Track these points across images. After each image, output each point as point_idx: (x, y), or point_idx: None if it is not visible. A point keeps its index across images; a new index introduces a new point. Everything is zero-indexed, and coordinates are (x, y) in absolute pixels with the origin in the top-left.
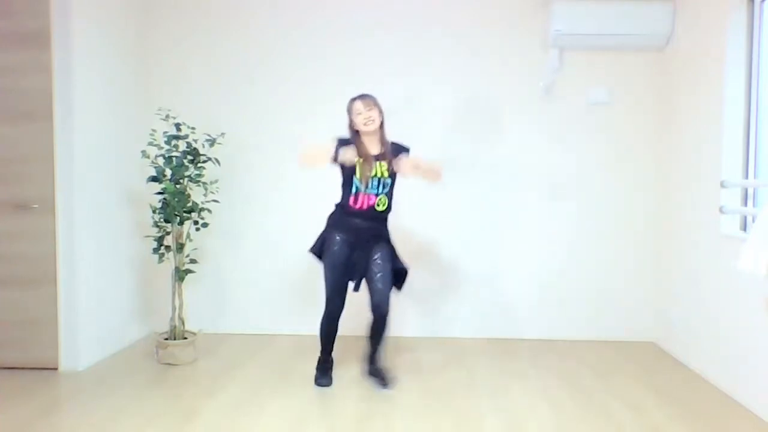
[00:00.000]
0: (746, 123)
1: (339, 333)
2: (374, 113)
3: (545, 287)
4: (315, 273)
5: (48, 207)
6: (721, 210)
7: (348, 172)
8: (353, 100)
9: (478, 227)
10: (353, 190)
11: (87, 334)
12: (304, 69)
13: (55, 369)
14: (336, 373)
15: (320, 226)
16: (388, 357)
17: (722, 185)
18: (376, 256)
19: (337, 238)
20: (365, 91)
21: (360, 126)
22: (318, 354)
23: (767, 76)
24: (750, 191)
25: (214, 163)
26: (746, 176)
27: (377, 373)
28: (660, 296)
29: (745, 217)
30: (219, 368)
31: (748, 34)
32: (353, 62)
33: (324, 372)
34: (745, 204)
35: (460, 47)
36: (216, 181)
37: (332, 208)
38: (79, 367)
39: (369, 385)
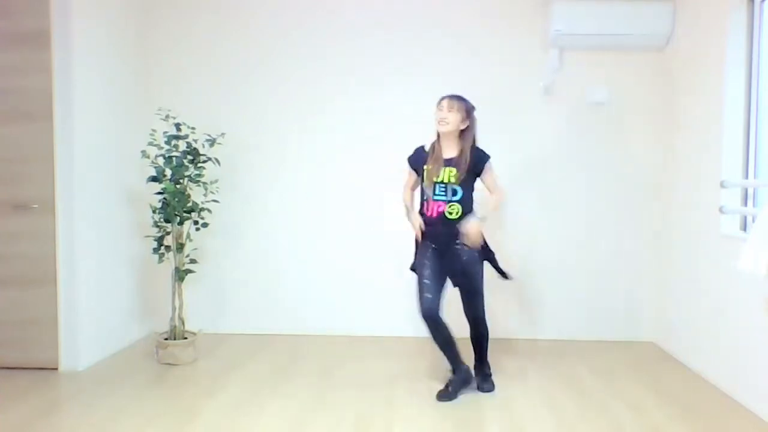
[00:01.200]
0: (746, 123)
1: (340, 332)
2: (452, 116)
3: (545, 287)
4: (314, 273)
5: (48, 207)
6: (721, 210)
7: (420, 179)
8: (443, 96)
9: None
10: (423, 197)
11: (87, 334)
12: (304, 69)
13: (55, 369)
14: (336, 373)
15: (319, 225)
16: (387, 356)
17: (722, 185)
18: (459, 264)
19: (427, 245)
20: (456, 93)
21: (435, 123)
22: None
23: (767, 76)
24: (750, 191)
25: (214, 163)
26: (746, 176)
27: (486, 378)
28: (660, 296)
29: (745, 217)
30: (219, 368)
31: (748, 34)
32: (353, 62)
33: (447, 384)
34: (745, 204)
35: (460, 47)
36: (216, 181)
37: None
38: (79, 367)
39: (371, 380)
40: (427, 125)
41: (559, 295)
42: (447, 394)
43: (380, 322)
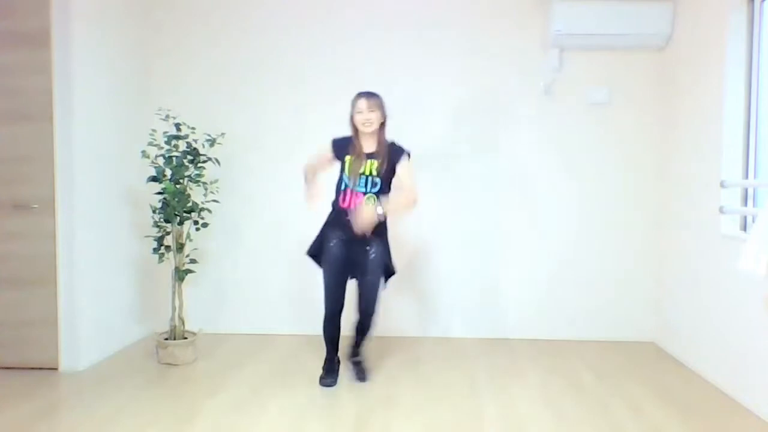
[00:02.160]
0: (746, 123)
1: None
2: (374, 116)
3: (545, 287)
4: (314, 273)
5: (48, 207)
6: (721, 210)
7: (340, 169)
8: (359, 95)
9: (477, 227)
10: (342, 186)
11: (87, 334)
12: (303, 69)
13: (55, 369)
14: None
15: (319, 225)
16: (388, 355)
17: (722, 185)
18: (369, 256)
19: (332, 237)
20: (370, 90)
21: (358, 125)
22: (323, 354)
23: (767, 76)
24: (750, 191)
25: (214, 163)
26: (746, 176)
27: (357, 366)
28: (660, 296)
29: (745, 217)
30: (219, 368)
31: (748, 34)
32: (353, 62)
33: (328, 372)
34: (745, 204)
35: (460, 47)
36: (216, 181)
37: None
38: (79, 367)
39: (348, 375)
40: (428, 125)
41: (559, 295)
42: (332, 378)
43: (380, 322)
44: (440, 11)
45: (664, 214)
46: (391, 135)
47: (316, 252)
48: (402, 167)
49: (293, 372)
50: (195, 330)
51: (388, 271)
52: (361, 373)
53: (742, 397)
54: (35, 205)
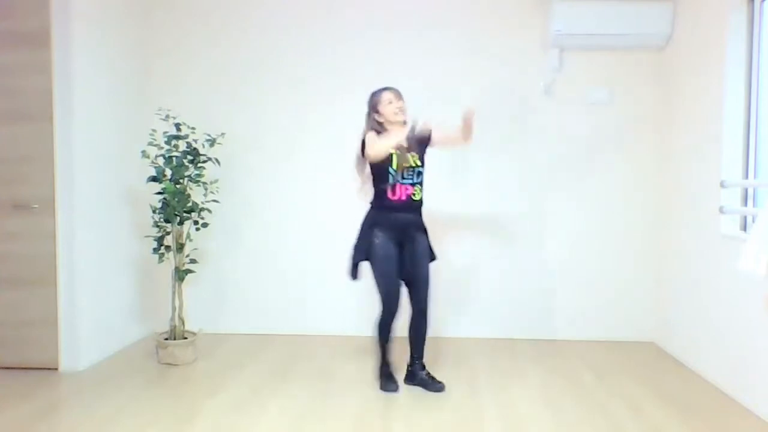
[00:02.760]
0: (746, 123)
1: (340, 332)
2: (403, 103)
3: (545, 287)
4: (315, 272)
5: (48, 207)
6: (721, 210)
7: (380, 166)
8: (381, 90)
9: (477, 227)
10: (390, 180)
11: (87, 334)
12: (303, 69)
13: (55, 369)
14: (336, 373)
15: (319, 225)
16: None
17: (722, 185)
18: (418, 252)
19: (382, 237)
20: (385, 87)
21: (390, 116)
22: (323, 354)
23: (767, 76)
24: (750, 191)
25: (214, 163)
26: (746, 176)
27: (430, 377)
28: (660, 296)
29: (745, 217)
30: (219, 368)
31: (748, 34)
32: (353, 62)
33: (389, 377)
34: (745, 204)
35: (460, 47)
36: (216, 181)
37: (367, 209)
38: (79, 367)
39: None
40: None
41: (559, 295)
42: (393, 383)
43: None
44: (440, 11)
45: (664, 214)
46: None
47: (366, 256)
48: (437, 134)
49: (293, 372)
50: (195, 330)
51: (434, 258)
52: (436, 382)
53: (742, 397)
54: (35, 205)
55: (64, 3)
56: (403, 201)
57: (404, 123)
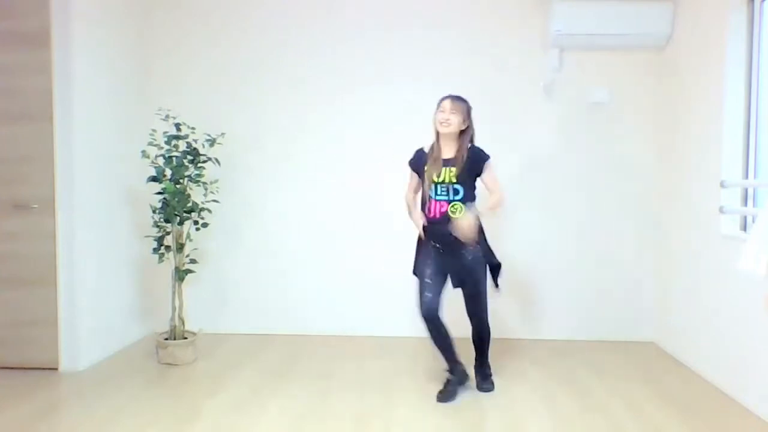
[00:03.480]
0: (746, 123)
1: (340, 332)
2: (453, 117)
3: (545, 287)
4: (315, 272)
5: (48, 207)
6: (721, 210)
7: (422, 180)
8: (446, 96)
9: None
10: (427, 197)
11: (87, 334)
12: (303, 69)
13: (55, 369)
14: (336, 373)
15: (319, 225)
16: (387, 356)
17: (722, 185)
18: (463, 266)
19: (429, 245)
20: (459, 95)
21: (436, 123)
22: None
23: (767, 76)
24: (750, 191)
25: (214, 163)
26: (746, 176)
27: (483, 377)
28: (660, 296)
29: (745, 217)
30: (219, 368)
31: (748, 34)
32: (353, 62)
33: (445, 385)
34: (745, 204)
35: (460, 47)
36: (216, 181)
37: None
38: (79, 367)
39: (371, 380)
40: (427, 125)
41: (560, 295)
42: (446, 394)
43: (380, 322)
44: (440, 11)
45: (664, 214)
46: (397, 137)
47: (418, 266)
48: (486, 174)
49: (293, 372)
50: (195, 330)
51: (493, 267)
52: (485, 383)
53: (742, 397)
54: (35, 205)
55: (64, 3)
56: (437, 218)
57: (454, 134)
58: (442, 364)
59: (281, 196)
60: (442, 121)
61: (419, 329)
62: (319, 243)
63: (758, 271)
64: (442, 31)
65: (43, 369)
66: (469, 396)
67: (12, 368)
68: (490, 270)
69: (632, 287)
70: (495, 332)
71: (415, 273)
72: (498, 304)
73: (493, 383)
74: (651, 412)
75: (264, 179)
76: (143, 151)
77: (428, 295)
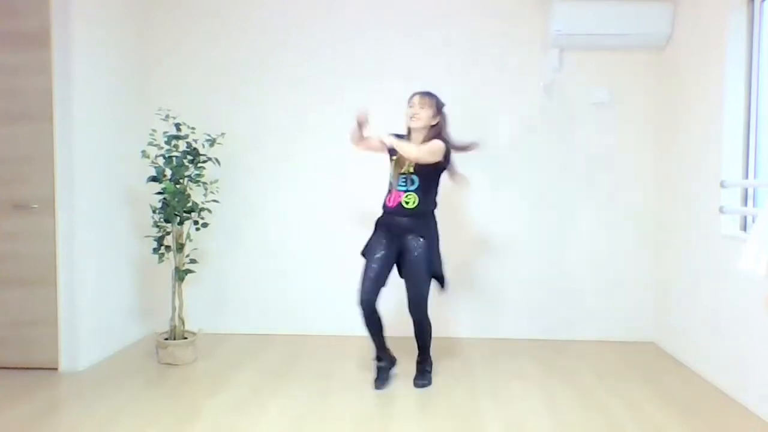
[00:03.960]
0: (746, 123)
1: (340, 332)
2: (423, 112)
3: (545, 287)
4: (315, 272)
5: (48, 207)
6: (721, 210)
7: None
8: (416, 92)
9: (477, 227)
10: (389, 187)
11: (87, 334)
12: (303, 69)
13: (55, 369)
14: (336, 373)
15: (319, 225)
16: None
17: (722, 185)
18: (412, 256)
19: (375, 233)
20: (429, 90)
21: (406, 117)
22: (322, 354)
23: (767, 76)
24: (750, 191)
25: (214, 163)
26: (746, 176)
27: (420, 372)
28: (660, 296)
29: (745, 217)
30: (219, 368)
31: (748, 34)
32: (353, 62)
33: (378, 373)
34: (745, 204)
35: (460, 47)
36: (216, 181)
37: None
38: (79, 367)
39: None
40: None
41: (559, 295)
42: (382, 380)
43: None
44: (440, 11)
45: (664, 214)
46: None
47: (366, 252)
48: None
49: (293, 372)
50: (195, 330)
51: (437, 274)
52: (420, 378)
53: (742, 397)
54: (35, 205)
55: (64, 3)
56: (394, 207)
57: (423, 129)
58: (372, 352)
59: (281, 196)
60: (411, 115)
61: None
62: (319, 243)
63: (758, 271)
64: (442, 31)
65: (43, 369)
66: (468, 396)
67: (12, 368)
68: (435, 278)
69: (632, 287)
70: (496, 332)
71: (363, 254)
72: (498, 304)
73: (430, 379)
74: (651, 412)
75: (264, 179)
76: (143, 151)
77: (367, 284)
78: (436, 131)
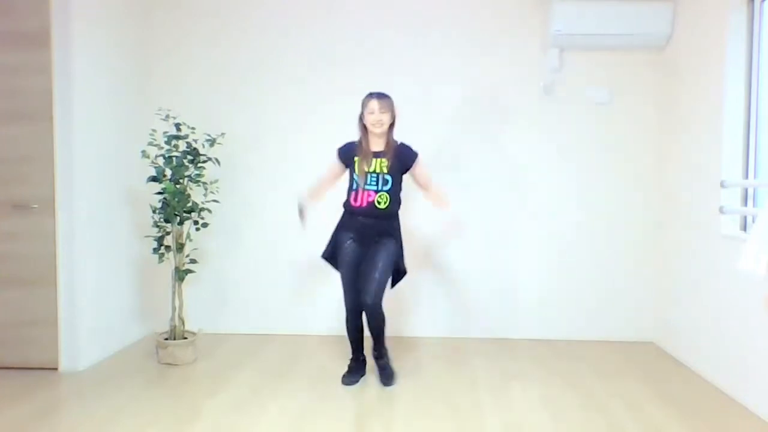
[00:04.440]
0: (746, 123)
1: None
2: (385, 117)
3: (545, 287)
4: (315, 272)
5: (48, 207)
6: (721, 210)
7: (351, 171)
8: (371, 96)
9: (477, 227)
10: (354, 186)
11: (87, 334)
12: (303, 69)
13: (55, 369)
14: (336, 373)
15: (320, 225)
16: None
17: (722, 185)
18: (376, 251)
19: (346, 237)
20: (381, 91)
21: (368, 125)
22: (322, 354)
23: (767, 76)
24: (750, 191)
25: (214, 163)
26: (746, 176)
27: (380, 368)
28: (660, 296)
29: (745, 217)
30: (219, 368)
31: (748, 34)
32: (353, 62)
33: (350, 370)
34: (745, 204)
35: (460, 47)
36: (216, 181)
37: (340, 210)
38: (79, 367)
39: (374, 379)
40: (427, 126)
41: (559, 296)
42: (351, 377)
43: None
44: (440, 11)
45: (664, 215)
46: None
47: (331, 255)
48: (420, 170)
49: (293, 372)
50: (195, 330)
51: (398, 271)
52: (385, 376)
53: (742, 397)
54: (35, 205)
55: (64, 3)
56: (364, 207)
57: (385, 133)
58: (349, 353)
59: (281, 196)
60: (375, 123)
61: (418, 329)
62: (319, 242)
63: (758, 271)
64: (442, 31)
65: (43, 369)
66: (468, 396)
67: (12, 368)
68: (394, 273)
69: (632, 287)
70: (496, 332)
71: (328, 258)
72: (498, 303)
73: (393, 376)
74: (651, 412)
75: (264, 179)
76: (143, 151)
77: (352, 294)
78: (392, 129)
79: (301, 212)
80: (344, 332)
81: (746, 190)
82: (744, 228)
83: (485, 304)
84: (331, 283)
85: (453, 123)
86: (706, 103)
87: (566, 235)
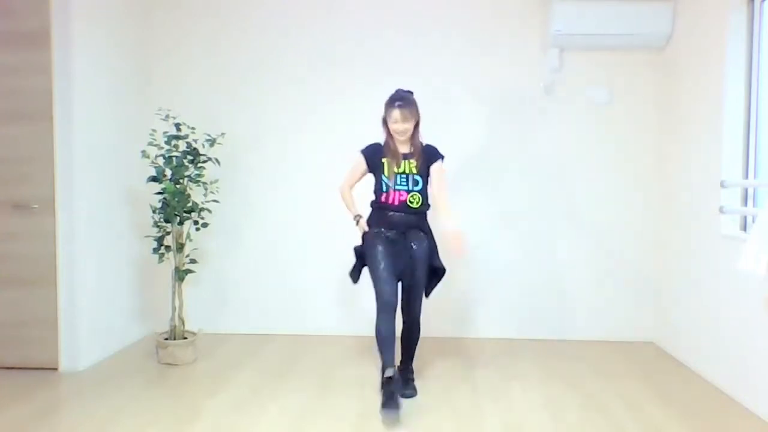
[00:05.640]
0: (746, 123)
1: (340, 332)
2: (409, 124)
3: (545, 287)
4: (315, 272)
5: (48, 207)
6: (721, 210)
7: (378, 175)
8: (393, 104)
9: (476, 227)
10: (383, 188)
11: (87, 334)
12: (303, 69)
13: (55, 369)
14: (336, 373)
15: (319, 225)
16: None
17: (722, 185)
18: (413, 254)
19: (377, 232)
20: (403, 93)
21: (394, 134)
22: (322, 354)
23: (767, 76)
24: (750, 191)
25: (214, 163)
26: (746, 176)
27: (405, 380)
28: (660, 296)
29: (745, 217)
30: (219, 368)
31: (748, 34)
32: (353, 62)
33: (390, 395)
34: (745, 204)
35: (460, 47)
36: (216, 181)
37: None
38: (79, 367)
39: (374, 379)
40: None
41: (559, 295)
42: (395, 402)
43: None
44: (440, 11)
45: (664, 215)
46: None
47: (362, 254)
48: (437, 167)
49: (293, 372)
50: (195, 330)
51: (437, 270)
52: (410, 388)
53: (742, 397)
54: (35, 205)
55: (64, 3)
56: (396, 205)
57: (410, 140)
58: (379, 363)
59: (281, 196)
60: (399, 132)
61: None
62: (319, 243)
63: (758, 271)
64: (442, 31)
65: (43, 369)
66: (469, 396)
67: (12, 368)
68: (432, 273)
69: (632, 287)
70: (495, 332)
71: (358, 253)
72: (498, 304)
73: (415, 389)
74: (651, 412)
75: (264, 179)
76: (143, 151)
77: (387, 288)
78: (417, 130)
79: (362, 228)
80: (344, 332)
81: (746, 190)
82: (744, 228)
83: (485, 305)
84: (331, 283)
85: (453, 123)
86: (706, 103)
87: (566, 234)
